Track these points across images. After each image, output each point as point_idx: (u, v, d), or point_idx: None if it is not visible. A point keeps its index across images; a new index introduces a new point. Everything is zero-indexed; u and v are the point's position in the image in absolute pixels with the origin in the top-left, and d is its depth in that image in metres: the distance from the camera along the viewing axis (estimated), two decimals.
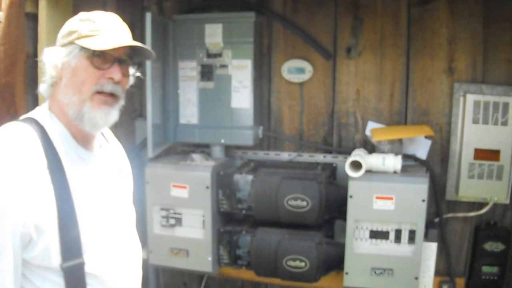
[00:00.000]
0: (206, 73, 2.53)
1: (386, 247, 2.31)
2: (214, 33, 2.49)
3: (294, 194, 2.28)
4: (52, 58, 1.41)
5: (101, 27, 1.41)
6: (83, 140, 1.49)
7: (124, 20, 2.69)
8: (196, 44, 2.54)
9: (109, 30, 1.43)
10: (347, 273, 2.33)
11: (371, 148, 2.50)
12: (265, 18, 2.61)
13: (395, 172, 2.30)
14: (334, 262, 2.39)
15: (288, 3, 2.59)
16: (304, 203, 2.27)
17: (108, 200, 1.52)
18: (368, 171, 2.30)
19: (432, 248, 2.39)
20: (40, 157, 1.33)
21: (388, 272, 2.30)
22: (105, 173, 1.55)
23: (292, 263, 2.33)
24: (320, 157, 2.58)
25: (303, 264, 2.32)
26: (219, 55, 2.51)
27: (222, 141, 2.55)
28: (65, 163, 1.38)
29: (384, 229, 2.30)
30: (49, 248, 1.31)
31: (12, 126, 1.36)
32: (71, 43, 1.39)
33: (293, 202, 2.28)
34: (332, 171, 2.50)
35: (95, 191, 1.47)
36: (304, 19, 2.57)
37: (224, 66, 2.51)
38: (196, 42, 2.54)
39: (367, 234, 2.31)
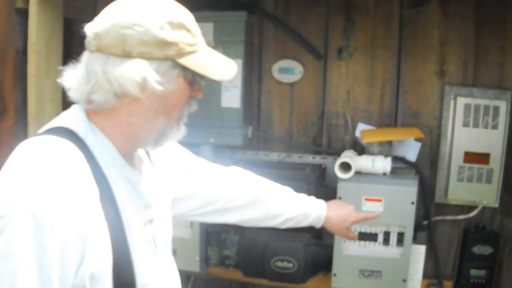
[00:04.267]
0: None
1: (375, 249, 2.30)
2: (204, 32, 2.45)
3: None
4: (134, 72, 1.10)
5: (196, 39, 1.20)
6: (129, 156, 1.27)
7: None
8: None
9: (202, 41, 1.23)
10: (335, 275, 2.33)
11: (360, 149, 2.49)
12: (256, 18, 2.59)
13: (384, 174, 2.30)
14: (322, 264, 2.38)
15: (279, 3, 2.57)
16: None
17: (155, 228, 1.32)
18: (358, 173, 2.29)
19: (420, 251, 2.39)
20: (92, 186, 1.10)
21: (376, 274, 2.30)
22: (149, 194, 1.32)
23: (280, 264, 2.32)
24: (309, 158, 2.57)
25: (291, 265, 2.31)
26: None
27: (211, 140, 2.53)
28: (115, 189, 1.16)
29: (373, 231, 2.30)
30: None
31: (52, 144, 1.10)
32: (168, 59, 1.13)
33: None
34: (321, 172, 2.49)
35: (145, 220, 1.28)
36: (296, 19, 2.55)
37: None
38: None
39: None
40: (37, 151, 1.07)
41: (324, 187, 2.37)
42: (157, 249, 1.31)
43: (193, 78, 1.20)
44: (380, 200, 2.23)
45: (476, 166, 2.41)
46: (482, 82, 2.44)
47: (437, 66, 2.46)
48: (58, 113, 2.34)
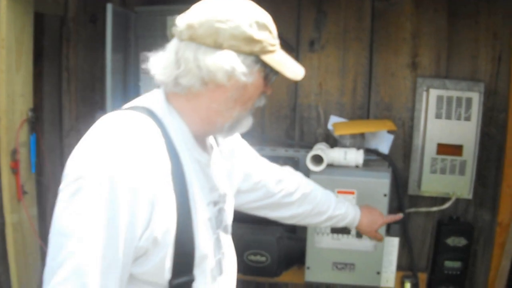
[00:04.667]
0: None
1: (348, 241, 2.30)
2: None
3: None
4: (225, 62, 1.21)
5: (276, 41, 1.32)
6: (201, 140, 1.37)
7: (86, 11, 2.68)
8: (158, 36, 2.49)
9: (278, 42, 1.34)
10: (308, 268, 2.32)
11: (333, 142, 2.48)
12: None
13: (357, 167, 2.29)
14: (296, 257, 2.38)
15: None
16: None
17: (218, 210, 1.42)
18: (330, 165, 2.29)
19: (394, 243, 2.38)
20: (165, 159, 1.19)
21: (350, 267, 2.29)
22: (216, 178, 1.43)
23: (253, 257, 2.32)
24: (282, 151, 2.54)
25: (264, 258, 2.31)
26: None
27: None
28: (185, 167, 1.25)
29: None
30: (163, 263, 1.19)
31: (132, 117, 1.21)
32: (253, 54, 1.24)
33: None
34: (294, 165, 2.47)
35: (209, 200, 1.36)
36: (267, 12, 2.52)
37: None
38: (158, 34, 2.49)
39: (328, 228, 2.29)
40: (118, 122, 1.18)
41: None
42: (218, 229, 1.40)
43: (269, 75, 1.30)
44: (352, 193, 2.23)
45: (449, 158, 2.41)
46: (455, 74, 2.45)
47: (410, 58, 2.46)
48: (29, 108, 2.34)
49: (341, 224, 1.93)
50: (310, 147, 2.43)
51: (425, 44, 2.44)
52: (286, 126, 2.58)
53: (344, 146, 2.37)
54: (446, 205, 2.46)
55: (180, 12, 2.40)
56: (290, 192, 1.80)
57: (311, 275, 2.33)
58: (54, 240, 1.06)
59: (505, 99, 2.45)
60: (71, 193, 1.07)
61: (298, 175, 1.89)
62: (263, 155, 2.50)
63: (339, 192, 2.22)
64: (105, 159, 1.08)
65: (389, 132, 2.47)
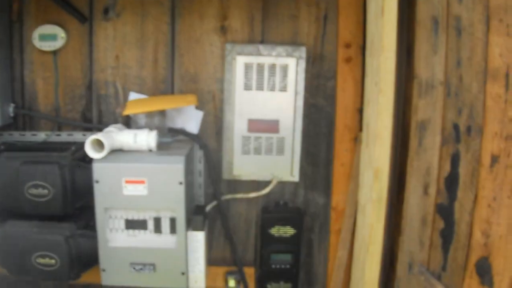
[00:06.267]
0: None
1: (145, 238, 2.01)
2: None
3: (34, 181, 1.96)
4: None
5: None
6: None
7: None
8: None
9: None
10: (104, 270, 2.03)
11: (134, 123, 2.16)
12: None
13: (150, 151, 1.97)
14: (94, 257, 2.07)
15: None
16: (45, 191, 1.96)
17: None
18: (119, 151, 1.97)
19: (198, 238, 2.07)
20: None
21: (149, 268, 2.00)
22: None
23: (41, 260, 2.03)
24: (79, 136, 2.22)
25: (53, 261, 2.02)
26: None
27: None
28: None
29: (141, 218, 1.98)
30: None
31: None
32: None
33: (33, 191, 1.97)
34: None
35: None
36: None
37: None
38: None
39: (122, 224, 1.99)
40: None
41: (84, 168, 2.04)
42: None
43: None
44: (143, 182, 1.92)
45: (263, 135, 2.10)
46: (272, 38, 2.13)
47: (218, 22, 2.13)
48: None
49: None
50: None
51: (235, 5, 2.12)
52: (82, 107, 2.23)
53: (140, 127, 2.06)
54: (266, 190, 2.15)
55: None
56: None
57: (107, 278, 2.04)
58: None
59: (333, 65, 2.13)
60: None
61: None
62: (59, 141, 2.24)
63: (127, 181, 1.92)
64: None
65: (198, 108, 2.14)
